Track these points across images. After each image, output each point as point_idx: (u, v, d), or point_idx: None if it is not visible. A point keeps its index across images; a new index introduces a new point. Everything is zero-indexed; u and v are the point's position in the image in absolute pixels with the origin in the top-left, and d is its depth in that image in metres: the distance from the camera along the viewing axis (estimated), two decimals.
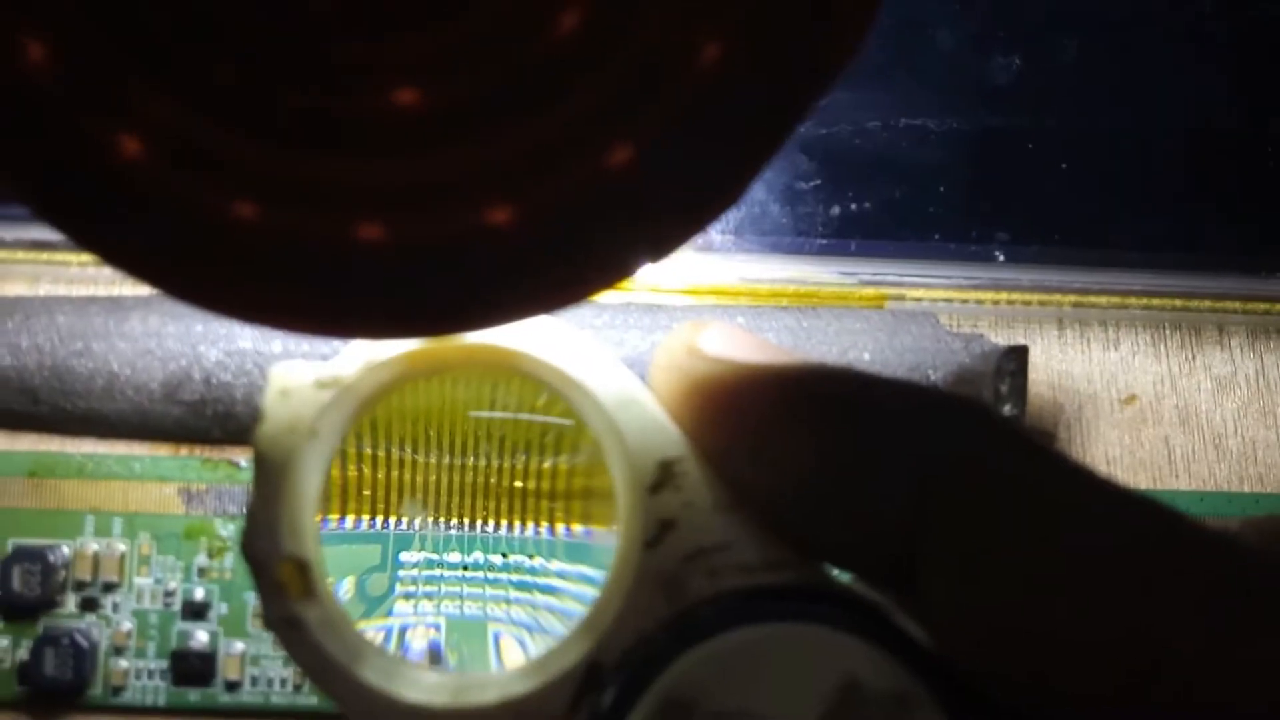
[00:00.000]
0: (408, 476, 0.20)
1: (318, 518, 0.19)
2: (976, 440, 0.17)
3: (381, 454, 0.20)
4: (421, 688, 0.18)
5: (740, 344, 0.18)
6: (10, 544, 0.33)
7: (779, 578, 0.18)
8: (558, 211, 0.14)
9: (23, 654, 0.32)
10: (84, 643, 0.32)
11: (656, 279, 0.34)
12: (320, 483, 0.19)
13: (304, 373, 0.18)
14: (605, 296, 0.33)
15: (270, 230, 0.13)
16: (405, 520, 0.21)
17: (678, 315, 0.33)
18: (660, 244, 0.14)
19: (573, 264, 0.14)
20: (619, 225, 0.14)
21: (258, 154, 0.13)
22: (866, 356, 0.32)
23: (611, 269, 0.14)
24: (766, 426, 0.17)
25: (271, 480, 0.18)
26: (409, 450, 0.20)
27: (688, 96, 0.13)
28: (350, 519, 0.20)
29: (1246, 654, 0.15)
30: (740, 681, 0.17)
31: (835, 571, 0.18)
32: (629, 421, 0.18)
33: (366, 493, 0.20)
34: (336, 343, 0.17)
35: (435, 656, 0.20)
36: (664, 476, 0.18)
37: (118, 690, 0.32)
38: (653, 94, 0.13)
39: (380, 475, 0.20)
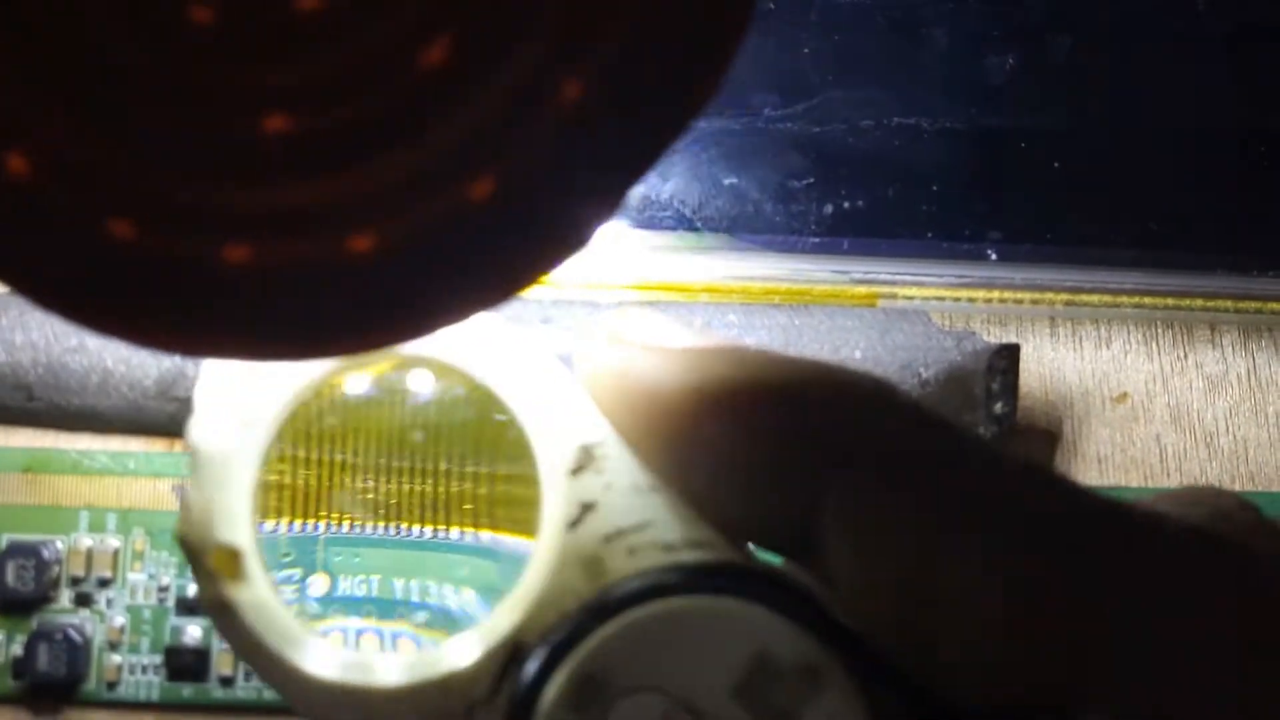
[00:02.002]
0: (339, 479, 0.21)
1: (255, 505, 0.19)
2: (876, 419, 0.17)
3: (314, 456, 0.21)
4: (349, 668, 0.19)
5: (659, 330, 0.19)
6: (4, 539, 0.33)
7: (699, 556, 0.18)
8: (418, 241, 0.14)
9: (16, 649, 0.32)
10: (78, 638, 0.32)
11: (648, 277, 0.34)
12: (255, 471, 0.19)
13: (237, 364, 0.19)
14: (601, 295, 0.34)
15: (144, 249, 0.14)
16: (337, 522, 0.21)
17: (668, 313, 0.33)
18: (518, 277, 0.14)
19: (431, 294, 0.14)
20: (477, 257, 0.14)
21: (133, 173, 0.14)
22: (858, 354, 0.32)
23: (469, 300, 0.14)
24: (679, 411, 0.18)
25: (205, 470, 0.19)
26: (343, 453, 0.21)
27: (548, 133, 0.14)
28: (284, 522, 0.21)
29: (1152, 633, 0.15)
30: (653, 655, 0.18)
31: (758, 549, 0.19)
32: (550, 406, 0.19)
33: (299, 496, 0.21)
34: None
35: (380, 644, 0.21)
36: (585, 459, 0.19)
37: (112, 685, 0.32)
38: (514, 129, 0.14)
39: (313, 478, 0.21)
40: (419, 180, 0.14)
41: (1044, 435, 0.34)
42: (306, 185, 0.14)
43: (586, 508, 0.19)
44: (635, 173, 0.14)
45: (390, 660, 0.19)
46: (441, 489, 0.21)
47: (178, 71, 0.13)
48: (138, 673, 0.33)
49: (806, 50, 0.35)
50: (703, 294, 0.34)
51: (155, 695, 0.33)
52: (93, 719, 0.33)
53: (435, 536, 0.21)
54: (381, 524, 0.21)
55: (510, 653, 0.18)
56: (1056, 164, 0.35)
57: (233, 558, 0.19)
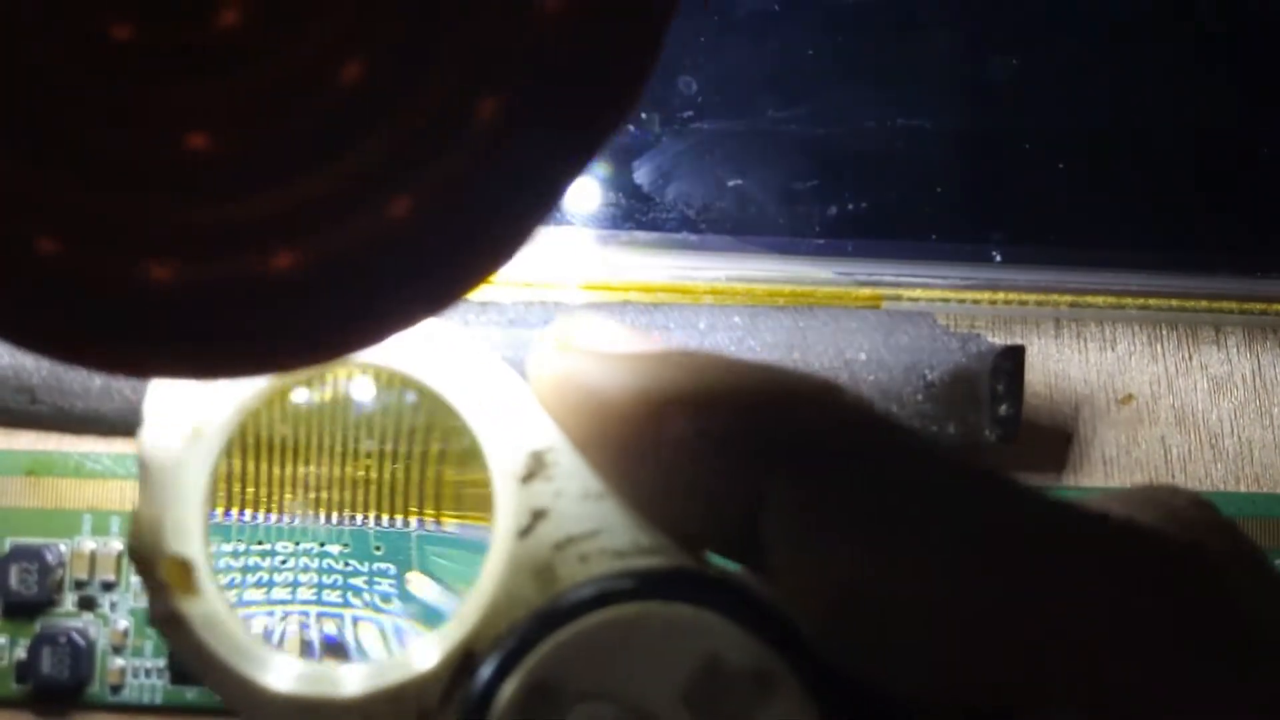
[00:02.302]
0: (291, 471, 0.21)
1: (206, 517, 0.19)
2: (819, 421, 0.17)
3: (265, 450, 0.21)
4: (301, 680, 0.19)
5: (609, 336, 0.19)
6: (8, 543, 0.33)
7: (650, 562, 0.18)
8: (339, 260, 0.14)
9: (20, 653, 0.32)
10: (81, 641, 0.32)
11: (649, 279, 0.34)
12: (206, 483, 0.19)
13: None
14: (601, 296, 0.34)
15: (69, 267, 0.14)
16: (289, 515, 0.21)
17: (673, 315, 0.33)
18: (438, 296, 0.14)
19: (353, 312, 0.14)
20: (396, 276, 0.14)
21: (57, 191, 0.14)
22: (863, 356, 0.32)
23: (390, 320, 0.14)
24: (624, 416, 0.18)
25: (155, 481, 0.19)
26: (295, 447, 0.21)
27: (466, 151, 0.14)
28: (234, 512, 0.21)
29: (1076, 620, 0.15)
30: (604, 662, 0.18)
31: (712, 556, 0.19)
32: (501, 414, 0.19)
33: (250, 489, 0.21)
34: None
35: (336, 650, 0.21)
36: (536, 466, 0.19)
37: (116, 689, 0.32)
38: (432, 148, 0.14)
39: (265, 470, 0.21)
40: (339, 199, 0.14)
41: (1051, 438, 0.34)
42: (229, 203, 0.14)
43: (538, 515, 0.19)
44: (554, 190, 0.14)
45: (347, 671, 0.19)
46: (393, 487, 0.21)
47: (100, 89, 0.14)
48: (141, 676, 0.33)
49: (810, 52, 0.35)
50: (707, 296, 0.34)
51: (159, 698, 0.32)
52: None
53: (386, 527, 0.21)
54: (329, 515, 0.21)
55: (462, 661, 0.18)
56: (1060, 165, 0.35)
57: (184, 569, 0.19)
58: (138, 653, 0.33)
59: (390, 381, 0.20)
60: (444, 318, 0.18)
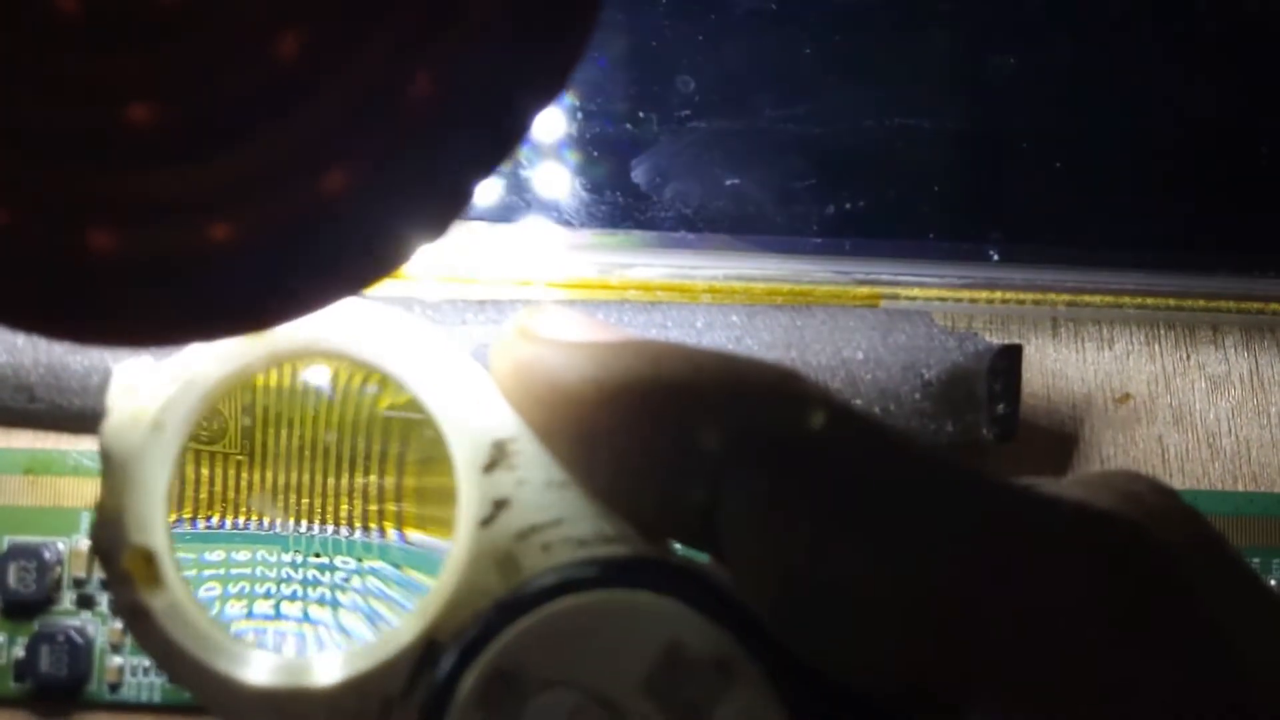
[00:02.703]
0: (258, 476, 0.21)
1: (168, 508, 0.19)
2: (774, 409, 0.17)
3: (232, 454, 0.21)
4: (265, 671, 0.19)
5: (570, 327, 0.19)
6: (6, 541, 0.33)
7: (613, 551, 0.18)
8: (273, 231, 0.14)
9: (19, 651, 0.32)
10: (80, 640, 0.32)
11: (647, 277, 0.34)
12: (169, 475, 0.19)
13: (147, 368, 0.19)
14: (601, 295, 0.34)
15: (12, 235, 0.14)
16: (255, 519, 0.21)
17: (671, 313, 0.33)
18: (369, 269, 0.15)
19: (286, 284, 0.15)
20: (330, 249, 0.15)
21: (1, 160, 0.14)
22: (860, 355, 0.32)
23: (323, 291, 0.15)
24: (584, 405, 0.18)
25: (117, 473, 0.19)
26: (261, 450, 0.21)
27: (399, 127, 0.14)
28: (201, 518, 0.21)
29: (1019, 605, 0.15)
30: (566, 649, 0.18)
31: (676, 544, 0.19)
32: (463, 404, 0.19)
33: (214, 489, 0.21)
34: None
35: (298, 643, 0.21)
36: (498, 456, 0.19)
37: (114, 687, 0.32)
38: (366, 123, 0.14)
39: (230, 474, 0.21)
40: (275, 172, 0.14)
41: (1048, 437, 0.35)
42: (168, 174, 0.14)
43: (500, 504, 0.19)
44: (486, 166, 0.15)
45: (311, 662, 0.19)
46: (358, 487, 0.21)
47: (44, 61, 0.14)
48: (140, 674, 0.33)
49: (807, 50, 0.35)
50: (705, 295, 0.34)
51: (157, 697, 0.33)
52: None
53: (354, 535, 0.21)
54: (298, 523, 0.21)
55: (426, 651, 0.18)
56: (1058, 164, 0.35)
57: (147, 561, 0.19)
58: (136, 651, 0.33)
59: (354, 373, 0.20)
60: (410, 312, 0.18)
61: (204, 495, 0.21)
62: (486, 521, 0.19)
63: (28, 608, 0.33)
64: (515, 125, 0.14)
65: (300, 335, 0.19)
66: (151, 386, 0.19)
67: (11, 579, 0.32)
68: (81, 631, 0.32)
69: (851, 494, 0.16)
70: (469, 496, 0.19)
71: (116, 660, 0.33)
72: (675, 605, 0.18)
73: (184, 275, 0.14)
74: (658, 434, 0.17)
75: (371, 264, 0.15)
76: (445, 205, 0.15)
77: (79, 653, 0.32)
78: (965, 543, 0.16)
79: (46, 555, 0.32)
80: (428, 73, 0.14)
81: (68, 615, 0.33)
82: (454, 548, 0.19)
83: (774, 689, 0.17)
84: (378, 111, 0.14)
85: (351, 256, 0.15)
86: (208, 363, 0.19)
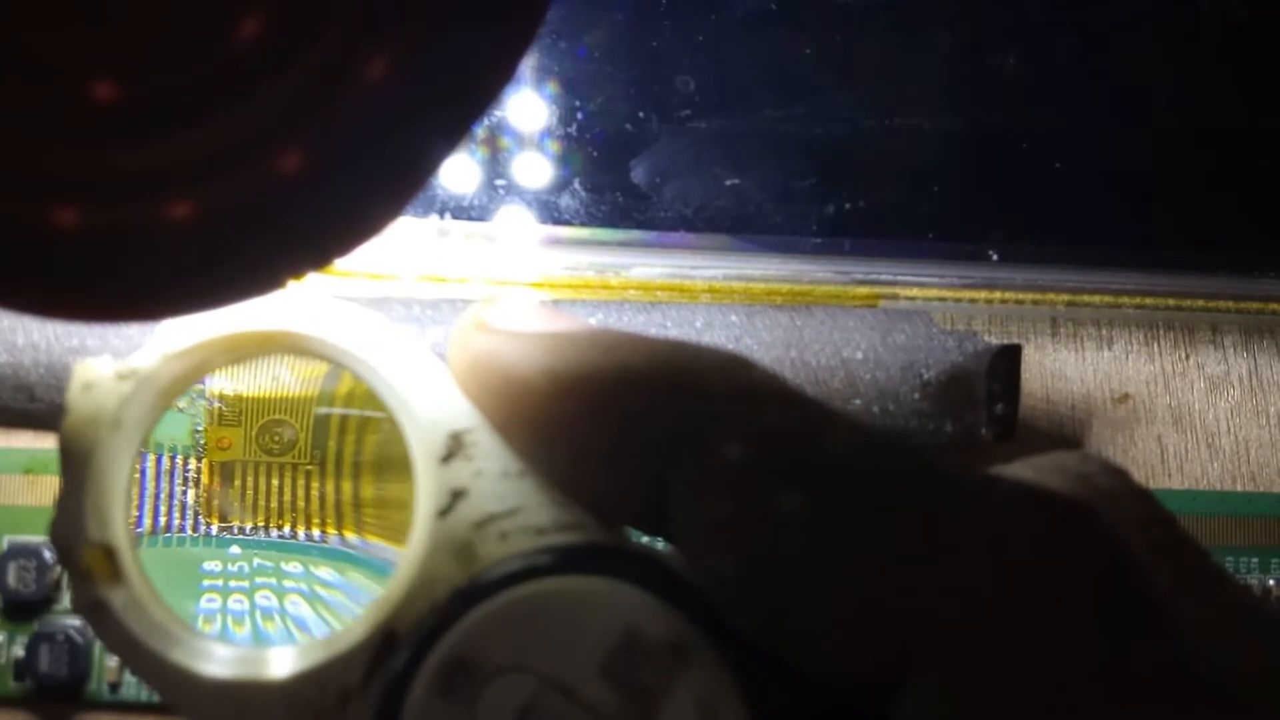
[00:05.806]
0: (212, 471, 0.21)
1: (128, 504, 0.19)
2: (722, 396, 0.17)
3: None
4: (224, 663, 0.19)
5: (525, 317, 0.19)
6: (6, 541, 0.33)
7: (570, 539, 0.19)
8: (231, 210, 0.15)
9: (18, 651, 0.32)
10: (80, 639, 0.32)
11: (646, 277, 0.34)
12: (128, 472, 0.19)
13: (105, 366, 0.19)
14: (601, 295, 0.34)
15: None
16: (222, 522, 0.21)
17: (670, 313, 0.33)
18: (326, 247, 0.15)
19: (243, 263, 0.15)
20: (288, 227, 0.15)
21: None
22: (860, 355, 0.32)
23: (282, 267, 0.15)
24: (538, 395, 0.18)
25: (76, 470, 0.19)
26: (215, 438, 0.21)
27: (355, 109, 0.15)
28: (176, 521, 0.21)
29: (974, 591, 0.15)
30: (523, 636, 0.18)
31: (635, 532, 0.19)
32: (420, 395, 0.19)
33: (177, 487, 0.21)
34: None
35: (257, 637, 0.21)
36: (455, 447, 0.19)
37: (114, 687, 0.33)
38: (323, 105, 0.15)
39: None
40: (233, 151, 0.15)
41: (1047, 437, 0.35)
42: (131, 151, 0.15)
43: (457, 495, 0.19)
44: (445, 147, 0.15)
45: (271, 654, 0.19)
46: (316, 487, 0.21)
47: (7, 39, 0.14)
48: None
49: (807, 50, 0.35)
50: (704, 295, 0.34)
51: (156, 696, 0.32)
52: None
53: (312, 539, 0.21)
54: (257, 525, 0.21)
55: (384, 641, 0.18)
56: (1058, 164, 0.35)
57: (106, 556, 0.19)
58: None
59: (312, 366, 0.20)
60: (364, 304, 0.18)
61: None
62: (444, 512, 0.19)
63: (28, 608, 0.33)
64: (474, 105, 0.15)
65: (258, 329, 0.19)
66: (110, 385, 0.19)
67: (11, 579, 0.32)
68: (81, 631, 0.32)
69: (795, 475, 0.16)
70: (426, 488, 0.19)
71: (116, 660, 0.33)
72: (631, 590, 0.18)
73: (145, 251, 0.15)
74: (610, 422, 0.18)
75: (329, 242, 0.15)
76: (403, 186, 0.15)
77: (79, 652, 0.32)
78: (906, 521, 0.16)
79: (46, 555, 0.32)
80: (385, 55, 0.14)
81: (68, 615, 0.33)
82: (412, 538, 0.19)
83: (728, 670, 0.17)
84: (335, 93, 0.14)
85: (309, 235, 0.15)
86: (166, 360, 0.19)
